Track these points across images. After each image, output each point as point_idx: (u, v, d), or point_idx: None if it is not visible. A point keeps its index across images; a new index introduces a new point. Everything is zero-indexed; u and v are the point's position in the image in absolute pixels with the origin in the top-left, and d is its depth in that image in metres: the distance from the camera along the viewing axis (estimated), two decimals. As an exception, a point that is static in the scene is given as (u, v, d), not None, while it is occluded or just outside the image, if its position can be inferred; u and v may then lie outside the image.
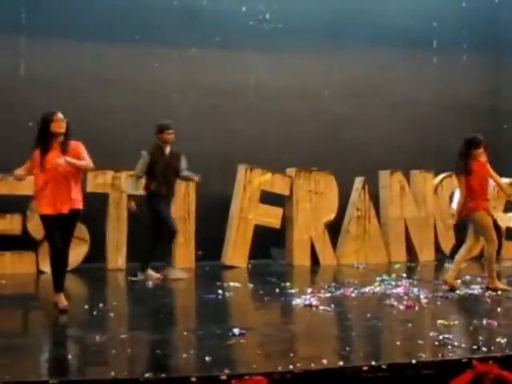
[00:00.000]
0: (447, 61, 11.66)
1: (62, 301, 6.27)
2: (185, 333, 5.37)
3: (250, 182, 9.86)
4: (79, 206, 6.34)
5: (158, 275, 8.55)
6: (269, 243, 10.38)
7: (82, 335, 5.46)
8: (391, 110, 11.26)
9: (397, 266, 9.74)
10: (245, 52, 10.62)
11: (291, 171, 10.11)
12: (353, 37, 10.99)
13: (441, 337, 5.15)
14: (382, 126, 11.14)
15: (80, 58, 9.92)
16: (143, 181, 8.62)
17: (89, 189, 9.28)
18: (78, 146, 6.39)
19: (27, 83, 9.71)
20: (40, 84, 9.70)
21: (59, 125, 6.24)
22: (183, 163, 8.71)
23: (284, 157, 10.35)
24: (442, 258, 10.36)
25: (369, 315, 6.06)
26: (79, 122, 9.54)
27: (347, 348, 4.91)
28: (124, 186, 9.36)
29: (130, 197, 8.73)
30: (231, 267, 9.69)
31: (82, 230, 9.33)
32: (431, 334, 5.28)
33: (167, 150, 8.58)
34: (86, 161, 6.35)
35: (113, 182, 9.39)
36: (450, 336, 5.16)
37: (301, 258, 9.97)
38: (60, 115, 6.28)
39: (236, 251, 9.79)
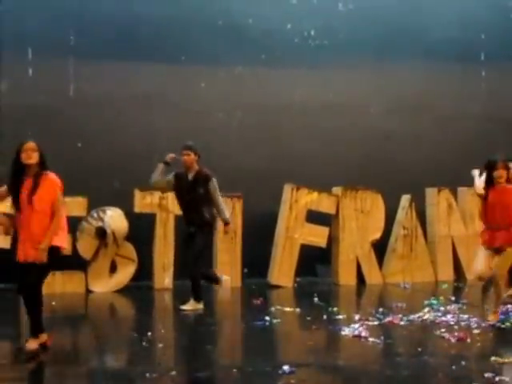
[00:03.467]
0: (496, 73, 11.46)
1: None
2: (234, 370, 5.33)
3: (297, 201, 9.85)
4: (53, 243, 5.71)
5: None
6: (314, 260, 10.36)
7: (132, 371, 5.44)
8: (438, 125, 11.12)
9: (444, 287, 9.62)
10: (290, 69, 10.60)
11: (337, 190, 10.07)
12: (398, 51, 10.91)
13: (497, 379, 4.98)
14: (429, 141, 11.03)
15: (127, 78, 10.07)
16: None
17: (136, 209, 9.44)
18: (51, 183, 5.76)
19: (76, 104, 9.88)
20: (88, 104, 9.87)
21: (27, 155, 5.67)
22: (212, 189, 7.75)
23: (330, 174, 10.31)
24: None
25: (419, 349, 5.96)
26: (126, 142, 9.91)
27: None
28: (171, 207, 9.44)
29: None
30: (277, 286, 9.69)
31: (129, 250, 9.49)
32: (486, 374, 5.09)
33: (190, 174, 7.81)
34: (56, 218, 5.70)
35: (160, 203, 9.47)
36: (507, 378, 4.97)
37: (347, 278, 9.93)
38: (30, 144, 5.72)
39: (282, 271, 9.79)
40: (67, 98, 9.93)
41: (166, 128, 10.01)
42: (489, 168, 6.97)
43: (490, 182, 6.99)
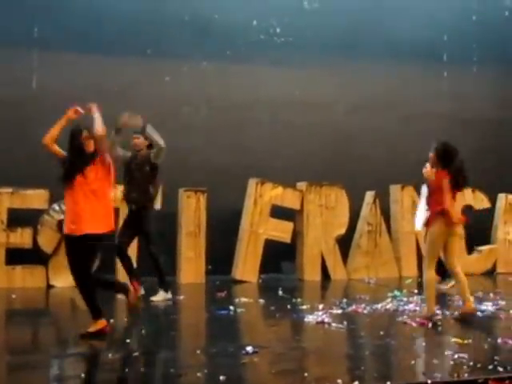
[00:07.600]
0: (458, 74, 11.65)
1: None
2: (198, 351, 5.33)
3: (261, 196, 9.82)
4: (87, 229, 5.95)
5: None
6: (279, 257, 10.34)
7: (95, 352, 5.44)
8: (403, 123, 11.23)
9: (408, 282, 9.68)
10: (256, 66, 10.61)
11: (302, 185, 10.08)
12: (364, 50, 10.99)
13: (456, 356, 5.12)
14: (394, 139, 11.10)
15: (92, 71, 9.95)
16: None
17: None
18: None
19: (39, 96, 9.73)
20: (52, 97, 9.69)
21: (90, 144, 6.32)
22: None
23: (295, 170, 10.34)
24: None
25: (382, 333, 6.04)
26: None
27: (362, 367, 4.88)
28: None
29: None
30: (242, 282, 9.64)
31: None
32: (446, 352, 5.25)
33: (139, 154, 8.17)
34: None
35: (123, 197, 9.31)
36: (465, 355, 5.12)
37: (311, 273, 9.92)
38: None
39: (246, 266, 9.74)
40: (30, 89, 9.79)
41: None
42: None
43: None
